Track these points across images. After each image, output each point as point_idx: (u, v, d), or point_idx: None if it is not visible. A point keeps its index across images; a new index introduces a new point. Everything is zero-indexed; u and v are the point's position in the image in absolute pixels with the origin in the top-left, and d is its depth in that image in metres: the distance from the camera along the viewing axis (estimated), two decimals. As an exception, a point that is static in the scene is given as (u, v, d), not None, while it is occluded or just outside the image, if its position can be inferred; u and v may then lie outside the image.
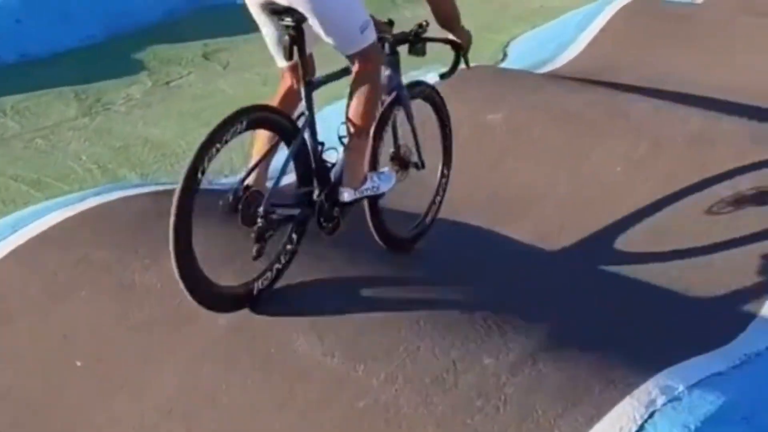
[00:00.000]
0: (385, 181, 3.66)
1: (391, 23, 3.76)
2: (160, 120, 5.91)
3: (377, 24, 3.57)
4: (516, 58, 6.96)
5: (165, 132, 5.70)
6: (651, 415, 2.68)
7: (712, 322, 3.51)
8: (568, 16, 7.80)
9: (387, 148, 3.77)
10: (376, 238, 3.78)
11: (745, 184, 4.34)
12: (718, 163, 4.43)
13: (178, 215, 2.94)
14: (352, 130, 3.46)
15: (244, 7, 3.36)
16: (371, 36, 3.39)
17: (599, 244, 4.20)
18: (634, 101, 5.25)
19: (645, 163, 4.57)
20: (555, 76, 6.11)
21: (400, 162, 3.85)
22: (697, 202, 4.30)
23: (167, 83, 6.67)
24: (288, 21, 3.21)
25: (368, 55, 3.39)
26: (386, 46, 3.67)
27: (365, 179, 3.55)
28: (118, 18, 7.50)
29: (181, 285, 3.01)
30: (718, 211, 4.27)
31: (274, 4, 3.24)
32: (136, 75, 6.73)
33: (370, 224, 3.74)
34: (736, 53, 6.37)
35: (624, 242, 4.17)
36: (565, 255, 4.12)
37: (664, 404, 2.71)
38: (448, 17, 3.71)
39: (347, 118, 3.46)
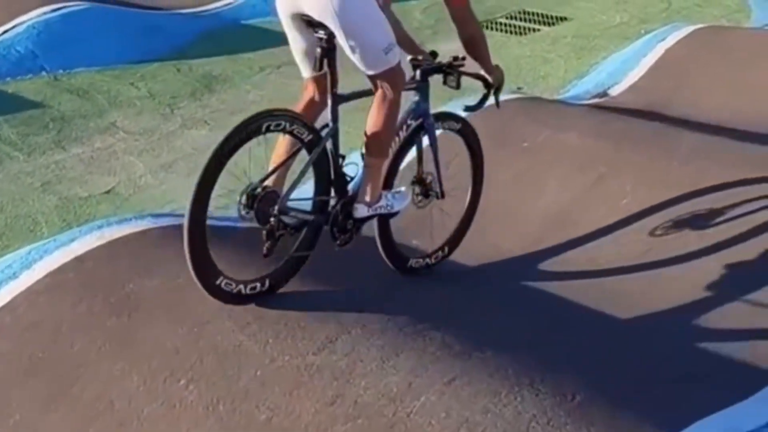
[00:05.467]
0: (399, 200, 3.76)
1: (434, 54, 3.86)
2: None
3: (417, 50, 3.83)
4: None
5: None
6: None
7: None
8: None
9: (410, 173, 3.92)
10: (383, 255, 3.86)
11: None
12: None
13: (194, 207, 3.17)
14: (369, 149, 3.53)
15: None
16: (394, 59, 3.43)
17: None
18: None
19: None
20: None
21: (422, 188, 3.95)
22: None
23: None
24: (321, 33, 3.33)
25: (390, 77, 3.44)
26: (418, 72, 3.77)
27: (380, 197, 3.64)
28: None
29: (196, 281, 3.27)
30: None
31: (308, 16, 3.34)
32: None
33: (378, 241, 3.83)
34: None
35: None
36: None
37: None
38: (478, 50, 3.78)
39: (365, 139, 3.53)
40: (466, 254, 4.27)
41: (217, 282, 3.31)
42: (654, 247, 4.20)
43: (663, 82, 6.57)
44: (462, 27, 3.76)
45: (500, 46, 8.00)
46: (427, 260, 4.05)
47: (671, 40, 7.06)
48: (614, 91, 6.57)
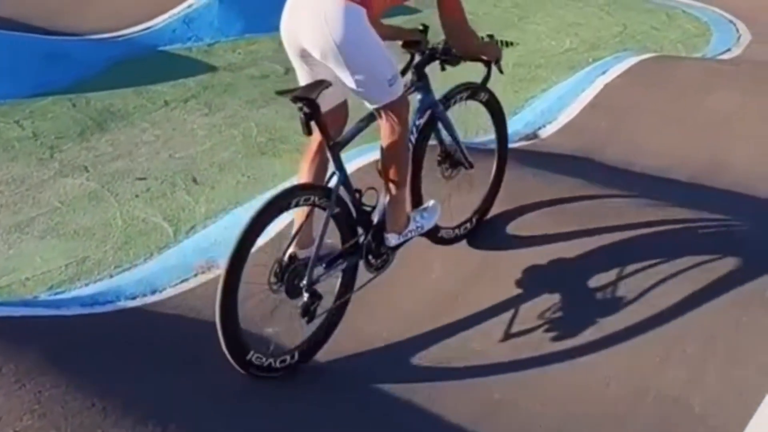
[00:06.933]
0: (428, 218, 3.78)
1: (425, 29, 3.78)
2: None
3: (407, 35, 3.76)
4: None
5: None
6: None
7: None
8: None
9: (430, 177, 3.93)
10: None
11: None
12: None
13: (224, 295, 3.14)
14: (387, 182, 3.52)
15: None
16: (399, 90, 3.43)
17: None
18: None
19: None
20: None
21: (450, 161, 4.00)
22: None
23: None
24: (299, 104, 3.25)
25: (396, 108, 3.42)
26: (412, 73, 3.73)
27: (408, 221, 3.67)
28: None
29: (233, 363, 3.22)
30: None
31: (298, 96, 3.27)
32: None
33: None
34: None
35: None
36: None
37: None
38: (464, 45, 3.76)
39: (382, 172, 3.52)
40: (335, 344, 3.62)
41: (248, 357, 3.27)
42: (542, 335, 3.54)
43: (599, 121, 5.90)
44: (450, 23, 3.64)
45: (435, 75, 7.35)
46: (456, 231, 4.08)
47: (613, 73, 6.38)
48: (545, 132, 5.89)
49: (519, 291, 3.78)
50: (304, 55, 3.37)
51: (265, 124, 6.40)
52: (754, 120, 5.51)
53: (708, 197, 4.79)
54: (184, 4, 8.54)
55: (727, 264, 3.71)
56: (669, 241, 3.90)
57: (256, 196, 5.18)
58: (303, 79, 3.47)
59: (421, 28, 3.79)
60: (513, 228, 4.17)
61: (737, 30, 8.16)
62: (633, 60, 6.56)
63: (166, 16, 8.40)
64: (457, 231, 4.08)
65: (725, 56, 7.44)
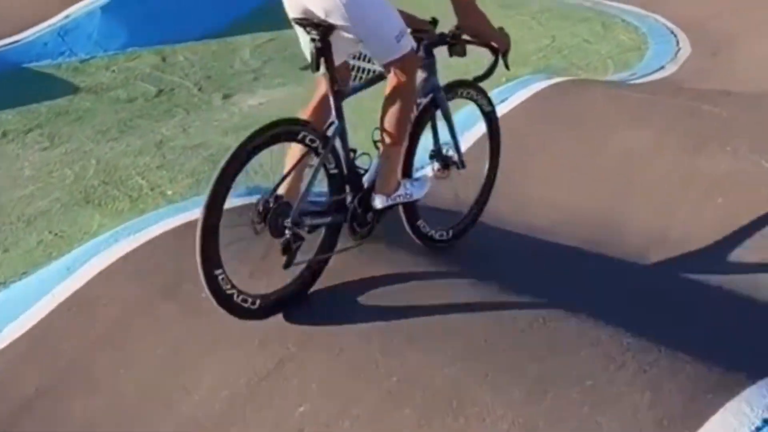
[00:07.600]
0: (417, 188, 3.73)
1: (434, 22, 3.75)
2: None
3: (417, 23, 3.65)
4: None
5: None
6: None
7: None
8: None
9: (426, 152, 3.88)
10: (412, 236, 3.85)
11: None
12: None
13: (204, 229, 3.01)
14: (385, 138, 3.49)
15: None
16: (407, 45, 3.40)
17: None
18: None
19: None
20: None
21: (441, 161, 3.95)
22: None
23: None
24: (314, 34, 3.23)
25: (404, 64, 3.39)
26: (422, 49, 3.66)
27: (398, 186, 3.62)
28: None
29: (210, 297, 3.08)
30: None
31: (307, 15, 3.24)
32: None
33: (406, 224, 3.82)
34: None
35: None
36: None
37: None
38: (476, 29, 3.67)
39: (381, 127, 3.48)
40: None
41: (234, 298, 3.15)
42: None
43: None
44: (461, 3, 3.57)
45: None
46: (448, 232, 4.02)
47: (512, 102, 5.48)
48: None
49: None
50: (297, 22, 3.34)
51: (107, 162, 5.51)
52: (660, 166, 4.62)
53: (592, 269, 3.94)
54: (62, 14, 7.65)
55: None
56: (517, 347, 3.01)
57: (52, 262, 4.31)
58: (304, 44, 3.40)
59: (430, 20, 3.74)
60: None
61: (677, 42, 7.25)
62: (539, 85, 5.67)
63: (38, 27, 7.50)
64: (448, 233, 4.01)
65: (657, 75, 6.54)
